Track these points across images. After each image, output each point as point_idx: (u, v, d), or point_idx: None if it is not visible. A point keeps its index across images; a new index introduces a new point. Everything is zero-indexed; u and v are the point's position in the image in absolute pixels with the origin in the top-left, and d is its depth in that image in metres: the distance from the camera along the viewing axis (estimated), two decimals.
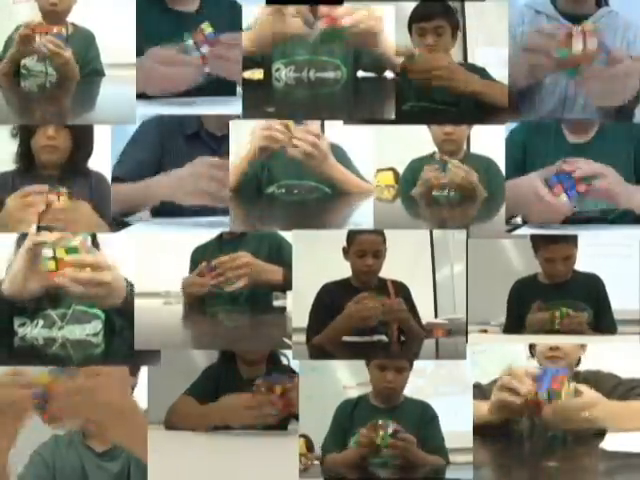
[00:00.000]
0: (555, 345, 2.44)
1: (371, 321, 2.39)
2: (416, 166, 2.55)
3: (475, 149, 2.61)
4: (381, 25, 2.36)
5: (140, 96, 2.39)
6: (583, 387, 2.23)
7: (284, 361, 2.47)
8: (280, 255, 2.52)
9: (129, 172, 2.52)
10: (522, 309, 2.53)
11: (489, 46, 2.47)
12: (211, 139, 2.56)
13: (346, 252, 2.48)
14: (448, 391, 2.41)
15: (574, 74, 2.30)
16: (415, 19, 2.44)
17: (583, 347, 2.47)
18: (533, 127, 2.50)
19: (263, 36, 2.38)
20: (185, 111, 2.48)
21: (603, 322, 2.50)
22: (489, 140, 2.51)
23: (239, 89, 2.43)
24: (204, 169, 2.36)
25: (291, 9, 2.36)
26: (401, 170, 2.57)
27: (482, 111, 2.42)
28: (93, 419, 1.87)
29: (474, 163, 2.53)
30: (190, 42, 2.36)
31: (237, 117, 2.45)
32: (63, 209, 2.31)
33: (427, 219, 2.54)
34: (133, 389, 2.37)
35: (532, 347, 2.49)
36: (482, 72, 2.45)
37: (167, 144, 2.54)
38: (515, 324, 2.53)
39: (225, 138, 2.46)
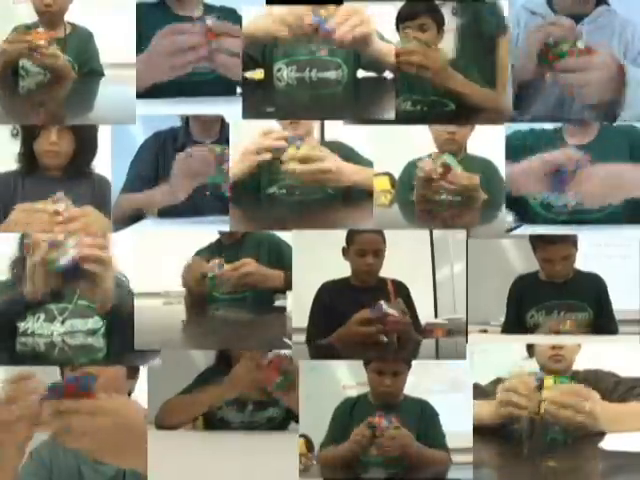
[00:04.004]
0: (558, 345, 2.45)
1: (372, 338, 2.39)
2: (412, 168, 2.53)
3: (471, 150, 2.61)
4: (370, 27, 2.36)
5: (142, 95, 2.39)
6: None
7: None
8: (280, 258, 2.53)
9: (130, 186, 2.56)
10: (522, 306, 2.53)
11: None
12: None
13: (345, 252, 2.48)
14: (448, 391, 2.41)
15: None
16: (401, 19, 2.47)
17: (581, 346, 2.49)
18: (535, 132, 2.50)
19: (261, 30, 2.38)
20: (184, 111, 2.49)
21: (604, 322, 2.49)
22: (487, 141, 2.50)
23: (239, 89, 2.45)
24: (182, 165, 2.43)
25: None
26: (397, 174, 2.57)
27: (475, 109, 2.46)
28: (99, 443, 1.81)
29: (472, 164, 2.53)
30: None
31: (220, 119, 2.53)
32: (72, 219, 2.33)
33: (425, 224, 2.53)
34: (130, 393, 2.38)
35: (530, 346, 2.49)
36: (472, 71, 2.47)
37: (161, 158, 2.56)
38: (514, 322, 2.52)
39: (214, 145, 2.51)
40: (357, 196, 2.52)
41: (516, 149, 2.45)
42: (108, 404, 1.79)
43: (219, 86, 2.45)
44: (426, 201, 2.49)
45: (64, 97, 2.54)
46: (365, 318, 2.37)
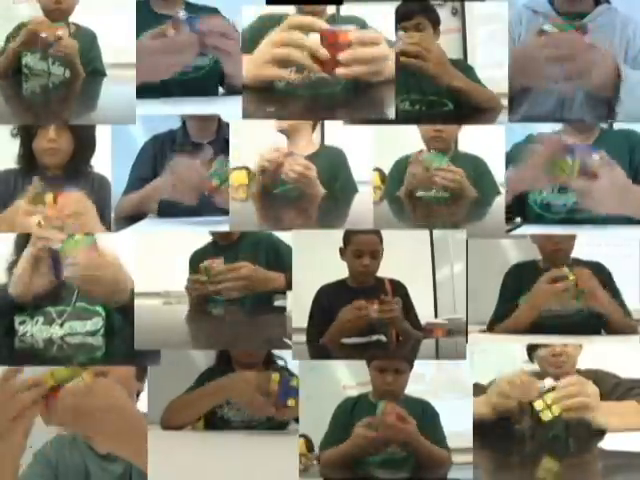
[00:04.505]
0: (558, 352, 2.44)
1: (364, 322, 2.39)
2: (402, 164, 2.55)
3: (462, 147, 2.61)
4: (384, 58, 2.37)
5: (141, 96, 2.40)
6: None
7: (281, 363, 2.47)
8: (278, 259, 2.53)
9: (132, 189, 2.57)
10: (517, 292, 2.52)
11: (489, 46, 2.47)
12: (196, 149, 2.57)
13: (343, 252, 2.48)
14: (448, 391, 2.41)
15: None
16: (398, 19, 2.47)
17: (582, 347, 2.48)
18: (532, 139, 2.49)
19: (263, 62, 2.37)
20: (184, 111, 2.50)
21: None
22: (477, 139, 2.52)
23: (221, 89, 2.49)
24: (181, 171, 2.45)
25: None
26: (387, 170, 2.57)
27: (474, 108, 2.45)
28: (95, 426, 1.82)
29: (462, 162, 2.54)
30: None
31: (217, 118, 2.55)
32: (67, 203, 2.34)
33: (414, 220, 2.53)
34: (139, 394, 2.39)
35: (530, 351, 2.49)
36: (470, 71, 2.49)
37: (160, 159, 2.57)
38: (505, 309, 2.51)
39: (211, 144, 2.54)
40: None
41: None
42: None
43: (201, 85, 2.47)
44: (415, 198, 2.50)
45: (68, 97, 2.55)
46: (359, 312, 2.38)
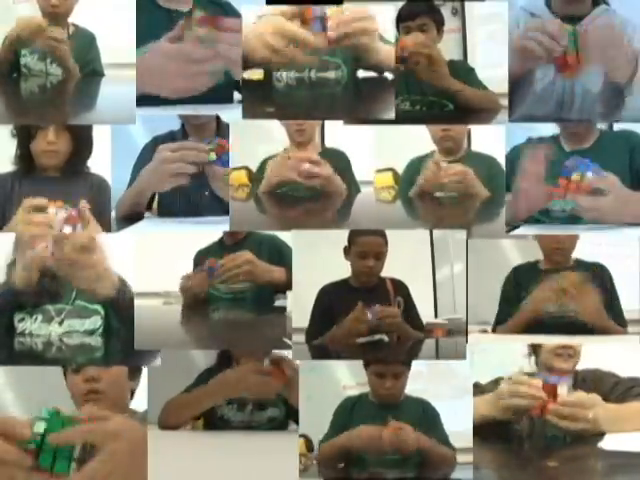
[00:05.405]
0: (567, 344, 2.44)
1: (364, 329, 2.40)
2: (415, 166, 2.56)
3: (476, 147, 2.61)
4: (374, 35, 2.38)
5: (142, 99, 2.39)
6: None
7: None
8: (281, 259, 2.53)
9: None
10: (518, 295, 2.53)
11: (489, 46, 2.47)
12: None
13: (347, 252, 2.47)
14: (448, 391, 2.41)
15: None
16: (401, 18, 2.48)
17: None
18: (533, 142, 2.50)
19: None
20: (183, 111, 2.50)
21: (611, 312, 2.48)
22: (490, 138, 2.51)
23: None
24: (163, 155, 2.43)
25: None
26: (400, 170, 2.57)
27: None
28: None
29: (475, 161, 2.54)
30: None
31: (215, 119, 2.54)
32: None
33: (427, 221, 2.54)
34: (133, 393, 2.39)
35: (534, 347, 2.48)
36: (471, 72, 2.50)
37: None
38: (508, 312, 2.52)
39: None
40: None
41: (516, 165, 2.45)
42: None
43: (216, 93, 2.45)
44: (427, 197, 2.50)
45: (66, 97, 2.54)
46: (361, 319, 2.38)
